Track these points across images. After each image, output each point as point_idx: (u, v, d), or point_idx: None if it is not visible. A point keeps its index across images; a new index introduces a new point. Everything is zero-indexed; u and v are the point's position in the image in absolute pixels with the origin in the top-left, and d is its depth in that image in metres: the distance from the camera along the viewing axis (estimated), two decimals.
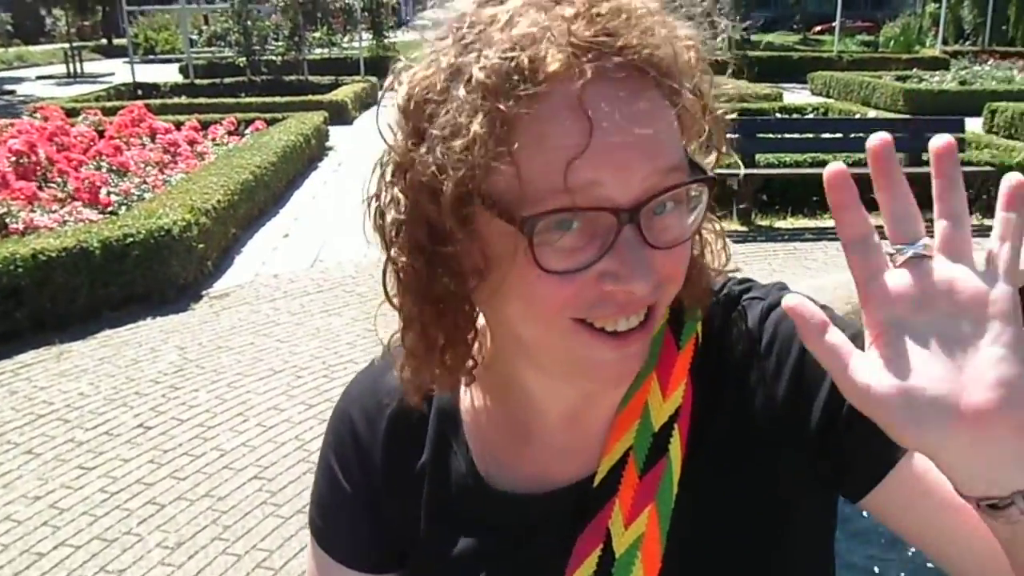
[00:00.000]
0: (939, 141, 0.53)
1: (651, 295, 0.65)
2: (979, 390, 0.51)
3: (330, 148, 13.58)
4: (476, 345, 0.74)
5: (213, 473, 3.98)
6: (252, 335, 5.74)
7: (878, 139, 0.54)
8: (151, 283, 6.33)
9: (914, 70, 20.88)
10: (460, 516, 0.82)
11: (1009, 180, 0.52)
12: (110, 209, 7.55)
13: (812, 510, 0.78)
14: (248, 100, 16.53)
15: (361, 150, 13.43)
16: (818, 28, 40.73)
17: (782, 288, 0.80)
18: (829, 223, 8.31)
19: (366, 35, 24.67)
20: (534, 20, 0.61)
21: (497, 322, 0.74)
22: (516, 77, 0.59)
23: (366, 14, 24.76)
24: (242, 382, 4.99)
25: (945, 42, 30.21)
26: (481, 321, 0.76)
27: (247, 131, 11.99)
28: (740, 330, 0.77)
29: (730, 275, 0.80)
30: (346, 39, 24.22)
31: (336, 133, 14.38)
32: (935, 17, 31.93)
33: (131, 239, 6.22)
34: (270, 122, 12.57)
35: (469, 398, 0.85)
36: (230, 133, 11.81)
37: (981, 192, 8.88)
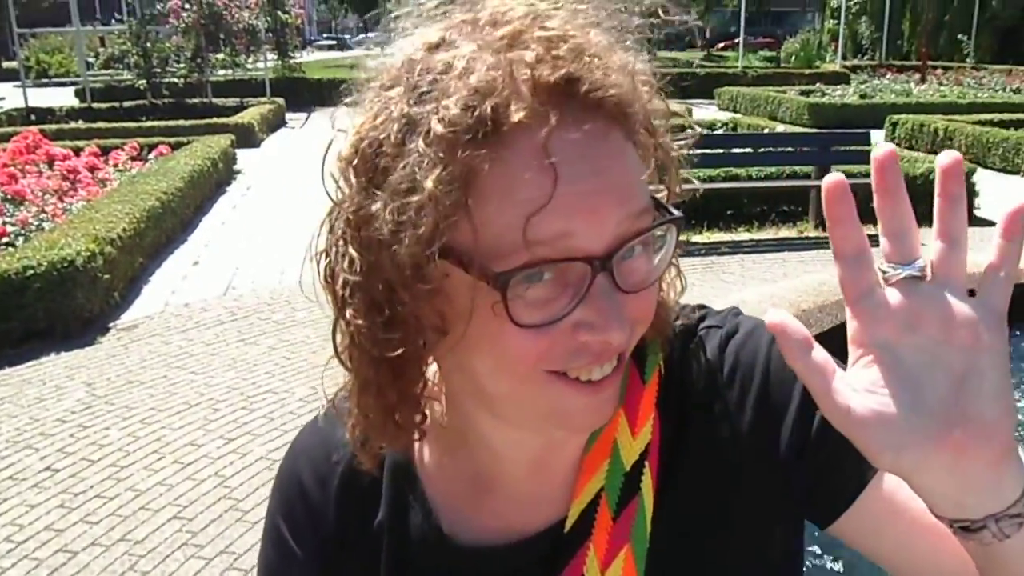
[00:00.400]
0: (947, 158, 0.50)
1: (626, 342, 0.64)
2: (961, 423, 0.51)
3: (238, 171, 13.35)
4: (426, 398, 0.71)
5: (128, 515, 3.80)
6: (164, 368, 5.53)
7: (884, 151, 0.52)
8: (54, 317, 6.06)
9: (817, 84, 21.71)
10: (423, 574, 0.79)
11: (1010, 207, 0.50)
12: (6, 240, 7.20)
13: (786, 537, 0.77)
14: (150, 124, 16.15)
15: (270, 173, 13.26)
16: (721, 45, 42.05)
17: (737, 314, 0.79)
18: (744, 236, 8.54)
19: (271, 56, 24.31)
20: (493, 66, 0.58)
21: (458, 374, 0.70)
22: (478, 128, 0.56)
23: (270, 35, 24.41)
24: (156, 417, 4.79)
25: (844, 57, 31.61)
26: (430, 371, 0.72)
27: (151, 156, 11.66)
28: (701, 360, 0.76)
29: (683, 303, 0.79)
30: (250, 60, 23.80)
31: (244, 156, 14.16)
32: (834, 33, 33.39)
33: (31, 271, 5.95)
34: (175, 146, 12.27)
35: (424, 452, 0.81)
36: (133, 158, 11.44)
37: None
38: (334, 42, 69.41)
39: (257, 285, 7.37)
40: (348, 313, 0.65)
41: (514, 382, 0.64)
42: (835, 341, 0.78)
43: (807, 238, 8.59)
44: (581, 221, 0.58)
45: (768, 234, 8.69)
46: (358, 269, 0.62)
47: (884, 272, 0.53)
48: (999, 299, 0.51)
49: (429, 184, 0.56)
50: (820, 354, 0.53)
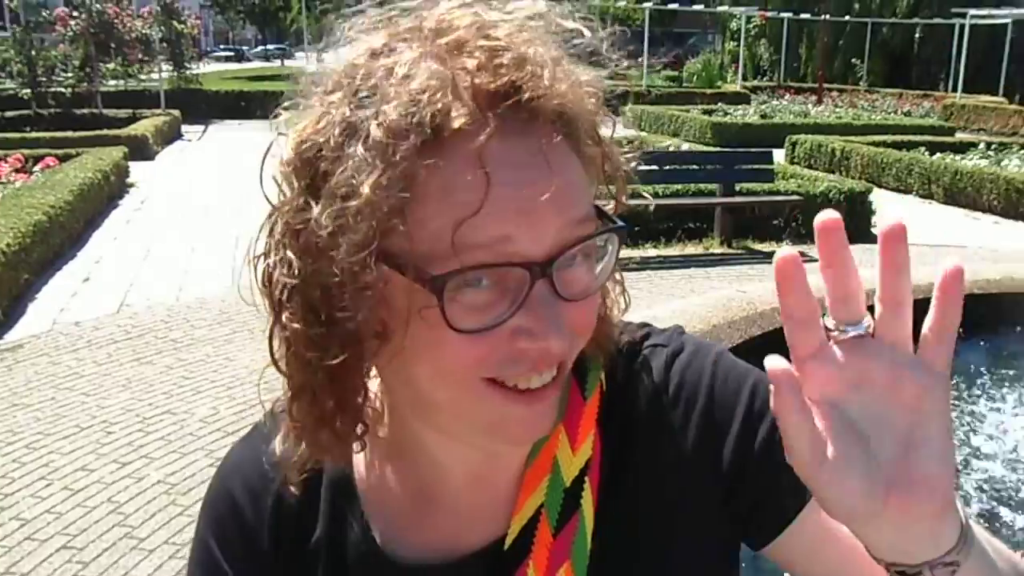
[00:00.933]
0: (890, 225, 0.51)
1: (565, 351, 0.63)
2: (907, 483, 0.52)
3: (131, 185, 12.93)
4: (367, 409, 0.70)
5: (13, 546, 3.59)
6: (52, 389, 5.27)
7: (829, 217, 0.51)
8: None
9: (719, 104, 22.42)
10: None
11: (947, 267, 0.51)
12: None
13: (725, 556, 0.78)
14: (36, 135, 15.56)
15: (166, 186, 12.86)
16: (625, 64, 42.88)
17: (681, 333, 0.81)
18: (651, 252, 8.69)
19: (166, 67, 23.62)
20: (434, 73, 0.58)
21: (399, 384, 0.69)
22: (417, 134, 0.57)
23: (164, 45, 23.72)
24: (43, 442, 4.55)
25: (744, 78, 32.74)
26: (374, 384, 0.71)
27: (36, 168, 11.15)
28: (645, 378, 0.76)
29: (626, 321, 0.79)
30: (144, 71, 23.07)
31: (137, 169, 13.75)
32: (734, 55, 34.50)
33: None
34: (63, 158, 11.83)
35: (364, 465, 0.79)
36: (17, 171, 10.93)
37: (790, 220, 9.58)
38: (232, 53, 67.99)
39: (153, 302, 7.11)
40: (285, 317, 0.64)
41: (452, 390, 0.63)
42: (741, 356, 0.81)
43: (712, 254, 8.82)
44: (517, 226, 0.58)
45: (675, 250, 8.86)
46: (296, 273, 0.62)
47: (831, 330, 0.53)
48: (941, 361, 0.52)
49: (366, 189, 0.57)
50: (807, 413, 0.53)
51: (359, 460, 0.79)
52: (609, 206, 0.69)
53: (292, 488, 0.77)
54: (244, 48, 73.66)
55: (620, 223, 0.65)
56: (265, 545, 0.79)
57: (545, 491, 0.73)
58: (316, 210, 0.60)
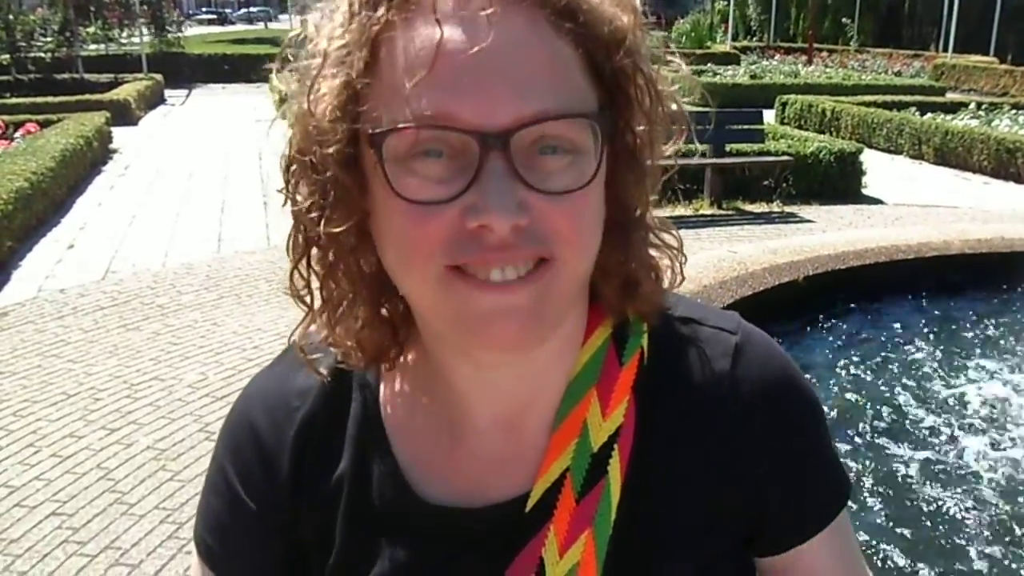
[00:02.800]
0: None
1: (522, 240, 0.60)
2: None
3: (115, 151, 12.76)
4: (390, 306, 0.72)
5: (3, 513, 3.56)
6: (39, 357, 5.22)
7: None
8: None
9: (708, 65, 22.17)
10: (382, 530, 0.75)
11: None
12: None
13: (742, 548, 0.77)
14: (15, 101, 15.34)
15: (150, 152, 12.73)
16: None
17: (740, 322, 0.78)
18: None
19: (147, 30, 23.27)
20: None
21: (399, 287, 0.68)
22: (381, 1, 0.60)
23: (145, 7, 23.35)
24: (30, 409, 4.51)
25: (734, 38, 32.42)
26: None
27: (17, 135, 11.00)
28: (701, 360, 0.74)
29: (680, 295, 0.78)
30: (125, 35, 22.73)
31: (121, 135, 13.57)
32: (724, 14, 34.18)
33: None
34: (44, 124, 11.68)
35: (393, 401, 0.78)
36: None
37: (781, 180, 9.54)
38: (215, 16, 67.08)
39: (139, 268, 7.04)
40: (298, 198, 0.66)
41: (415, 276, 0.63)
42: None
43: (703, 215, 8.77)
44: (466, 96, 0.57)
45: (664, 212, 8.77)
46: (294, 147, 0.65)
47: None
48: None
49: (332, 49, 0.61)
50: None
51: (388, 396, 0.78)
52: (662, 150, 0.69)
53: (318, 421, 0.77)
54: (227, 11, 72.65)
55: (601, 119, 0.62)
56: (286, 474, 0.77)
57: (572, 455, 0.71)
58: (297, 83, 0.63)
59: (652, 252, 0.74)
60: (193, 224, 8.48)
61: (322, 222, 0.65)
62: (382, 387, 0.78)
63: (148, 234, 8.15)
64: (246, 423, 0.80)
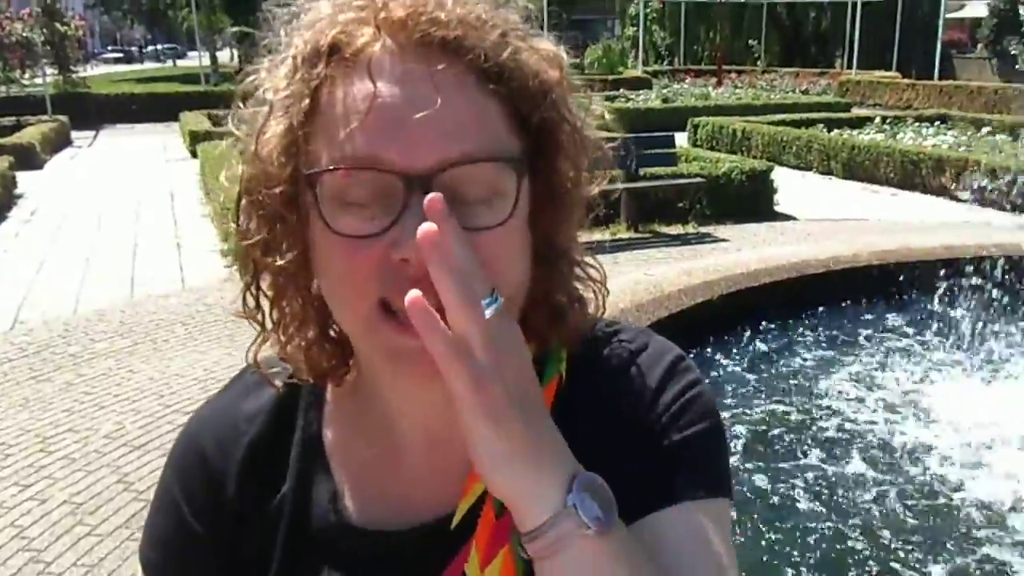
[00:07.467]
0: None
1: None
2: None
3: (20, 196, 12.37)
4: (344, 351, 0.76)
5: None
6: None
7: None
8: None
9: (620, 90, 22.56)
10: (319, 551, 0.78)
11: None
12: None
13: None
14: None
15: (57, 196, 12.35)
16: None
17: (648, 333, 0.82)
18: None
19: (50, 71, 22.65)
20: (354, 6, 0.66)
21: (334, 316, 0.73)
22: (326, 50, 0.65)
23: (48, 48, 22.74)
24: None
25: (645, 63, 33.10)
26: None
27: None
28: (613, 377, 0.78)
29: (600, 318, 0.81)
30: (27, 76, 22.08)
31: (25, 179, 13.16)
32: (634, 40, 34.88)
33: None
34: None
35: (334, 423, 0.81)
36: None
37: (695, 201, 9.75)
38: (121, 55, 65.66)
39: (49, 317, 6.80)
40: (245, 228, 0.71)
41: (348, 313, 0.68)
42: None
43: (620, 239, 8.90)
44: (393, 142, 0.62)
45: (583, 237, 8.84)
46: (243, 186, 0.70)
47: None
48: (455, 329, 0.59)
49: (277, 99, 0.67)
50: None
51: (329, 417, 0.81)
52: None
53: (264, 445, 0.81)
54: (133, 49, 71.19)
55: (519, 164, 0.66)
56: (231, 496, 0.80)
57: None
58: (246, 125, 0.70)
59: (577, 284, 0.78)
60: (105, 269, 8.23)
61: (269, 253, 0.70)
62: (326, 409, 0.81)
63: (58, 281, 7.88)
64: (194, 447, 0.83)
